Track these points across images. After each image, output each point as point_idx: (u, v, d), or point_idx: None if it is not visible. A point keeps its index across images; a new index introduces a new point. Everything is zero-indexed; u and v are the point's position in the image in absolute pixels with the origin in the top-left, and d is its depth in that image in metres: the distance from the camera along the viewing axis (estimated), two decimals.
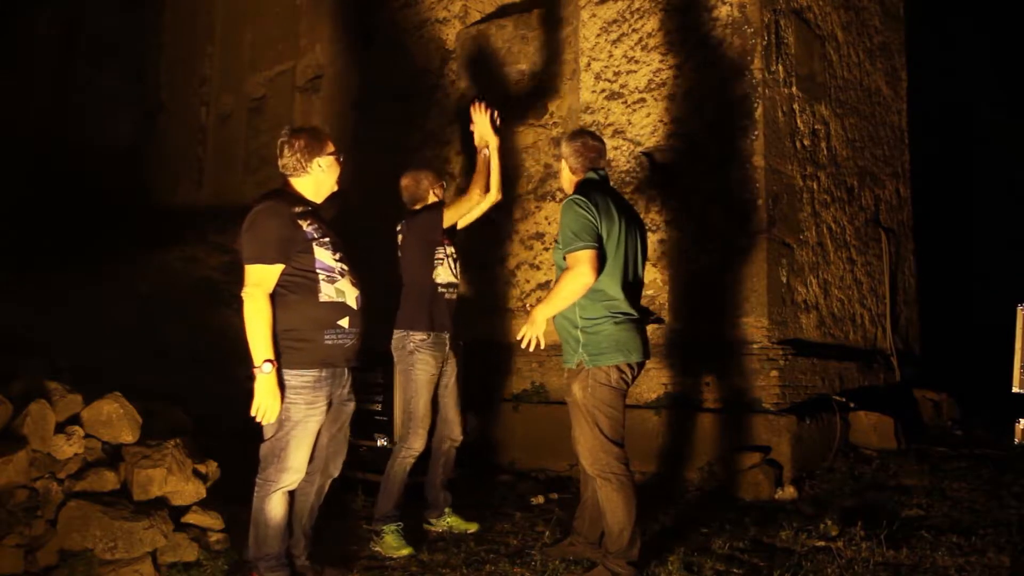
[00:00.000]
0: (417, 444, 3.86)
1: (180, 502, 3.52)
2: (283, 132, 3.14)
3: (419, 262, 3.96)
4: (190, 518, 3.52)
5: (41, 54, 10.28)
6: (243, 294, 2.93)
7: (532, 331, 3.18)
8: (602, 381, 3.17)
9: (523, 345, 3.18)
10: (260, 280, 2.92)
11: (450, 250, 4.03)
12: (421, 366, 3.87)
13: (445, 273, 3.99)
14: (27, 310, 5.32)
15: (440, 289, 3.96)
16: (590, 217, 3.15)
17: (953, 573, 3.20)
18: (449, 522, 4.00)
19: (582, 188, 3.31)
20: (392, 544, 3.68)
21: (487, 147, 4.02)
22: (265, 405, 2.88)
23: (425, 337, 3.88)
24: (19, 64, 10.19)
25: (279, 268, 2.94)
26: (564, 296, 3.15)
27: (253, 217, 2.97)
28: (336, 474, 3.25)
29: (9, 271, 6.09)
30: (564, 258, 3.18)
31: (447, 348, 3.97)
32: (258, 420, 2.91)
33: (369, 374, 4.73)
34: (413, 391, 3.88)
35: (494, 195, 4.08)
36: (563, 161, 3.46)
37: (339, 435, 3.20)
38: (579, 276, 3.10)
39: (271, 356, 2.88)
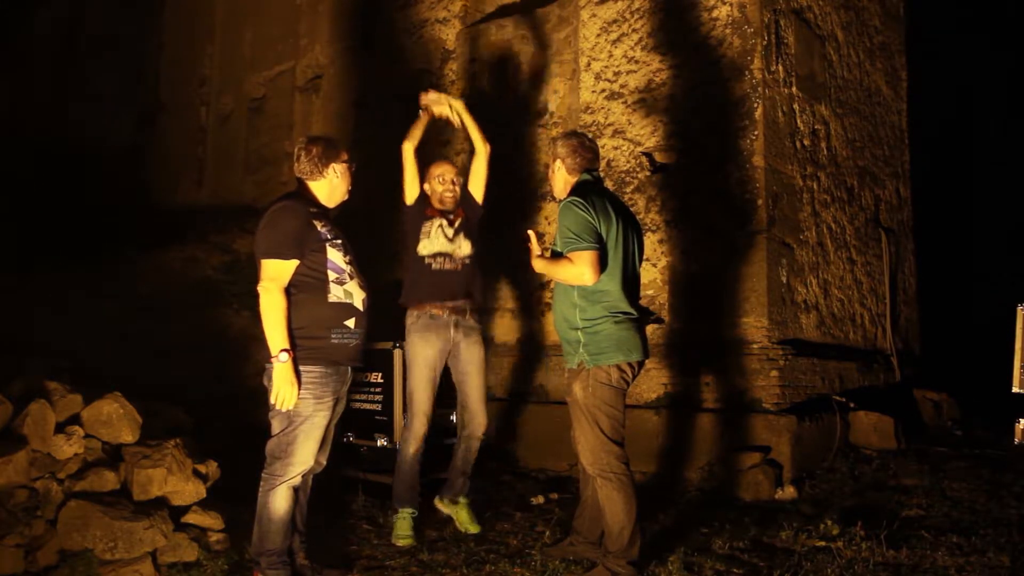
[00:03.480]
0: (416, 426, 3.85)
1: (180, 502, 3.52)
2: (300, 140, 3.29)
3: (409, 242, 4.02)
4: (190, 518, 3.52)
5: (41, 54, 10.28)
6: (259, 288, 3.01)
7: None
8: (602, 381, 3.17)
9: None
10: (276, 275, 3.01)
11: (439, 222, 3.97)
12: (411, 348, 3.90)
13: (429, 244, 3.94)
14: (27, 310, 5.32)
15: (427, 260, 3.93)
16: (589, 218, 3.16)
17: (953, 573, 3.20)
18: (457, 512, 3.95)
19: (578, 189, 3.32)
20: (399, 531, 3.74)
21: (429, 109, 4.03)
22: (283, 393, 2.97)
23: (415, 319, 3.91)
24: (19, 64, 10.20)
25: (294, 264, 3.03)
26: (558, 276, 3.25)
27: (272, 214, 3.08)
28: (322, 465, 3.27)
29: (9, 271, 6.09)
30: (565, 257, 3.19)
31: (451, 330, 3.90)
32: (276, 407, 2.99)
33: (369, 374, 4.74)
34: (409, 372, 3.91)
35: (483, 148, 4.08)
36: (558, 161, 3.43)
37: (325, 431, 3.23)
38: (579, 275, 3.12)
39: (287, 346, 2.97)
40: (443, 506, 4.00)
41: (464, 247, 3.99)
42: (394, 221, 6.71)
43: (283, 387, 2.96)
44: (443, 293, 3.91)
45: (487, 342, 5.81)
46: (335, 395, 3.13)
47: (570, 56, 5.81)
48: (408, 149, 4.00)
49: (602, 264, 3.16)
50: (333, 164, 3.21)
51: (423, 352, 3.87)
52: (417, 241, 3.96)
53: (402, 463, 3.87)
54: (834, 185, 5.90)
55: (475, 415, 3.96)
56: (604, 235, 3.19)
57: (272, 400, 2.98)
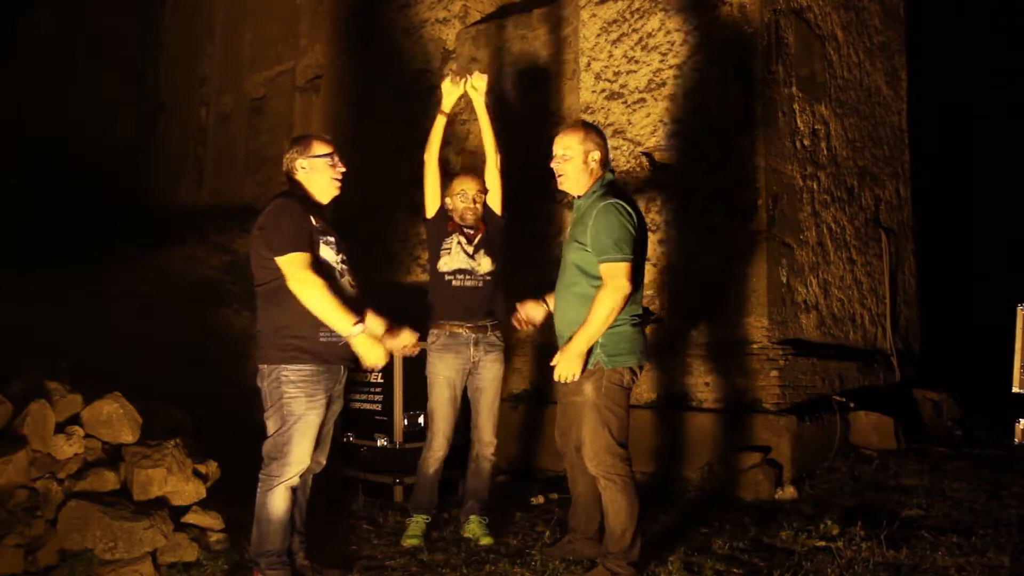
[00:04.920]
0: (435, 445, 3.81)
1: (180, 502, 3.52)
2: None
3: (430, 258, 3.96)
4: (190, 518, 3.52)
5: (41, 54, 10.27)
6: (292, 285, 2.99)
7: (572, 365, 3.09)
8: (616, 382, 3.16)
9: (563, 381, 3.13)
10: (303, 264, 3.00)
11: (459, 238, 3.86)
12: (431, 367, 3.85)
13: (450, 261, 3.85)
14: (27, 310, 5.31)
15: (447, 278, 3.85)
16: (631, 227, 3.10)
17: (953, 573, 3.20)
18: (469, 526, 3.87)
19: (613, 191, 3.24)
20: (409, 531, 3.76)
21: (443, 109, 3.88)
22: (372, 359, 3.05)
23: (435, 338, 3.85)
24: (19, 64, 10.18)
25: (310, 256, 3.03)
26: (606, 316, 3.04)
27: (274, 212, 3.08)
28: (322, 465, 3.26)
29: (9, 271, 6.09)
30: (599, 266, 3.10)
31: (471, 348, 3.82)
32: (374, 371, 3.09)
33: (369, 374, 4.73)
34: (429, 392, 3.86)
35: (494, 156, 3.95)
36: (594, 153, 3.25)
37: (322, 432, 3.21)
38: (618, 291, 3.04)
39: (354, 319, 3.01)
40: (462, 531, 3.91)
41: (485, 263, 3.88)
42: (393, 220, 6.72)
43: (370, 355, 3.04)
44: (464, 311, 3.82)
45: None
46: (327, 393, 3.11)
47: (570, 56, 5.81)
48: (430, 160, 3.90)
49: (635, 274, 3.11)
50: (299, 160, 3.20)
51: (443, 372, 3.81)
52: (438, 257, 3.88)
53: (422, 477, 3.85)
54: (834, 185, 5.90)
55: (481, 434, 3.87)
56: (640, 242, 3.17)
57: (367, 368, 3.08)
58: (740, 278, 4.93)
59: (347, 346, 3.14)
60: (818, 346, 5.41)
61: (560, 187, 3.37)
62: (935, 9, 8.57)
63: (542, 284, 5.65)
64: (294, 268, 2.99)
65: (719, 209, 5.03)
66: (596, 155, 3.25)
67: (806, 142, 5.52)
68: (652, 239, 5.23)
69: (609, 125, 5.47)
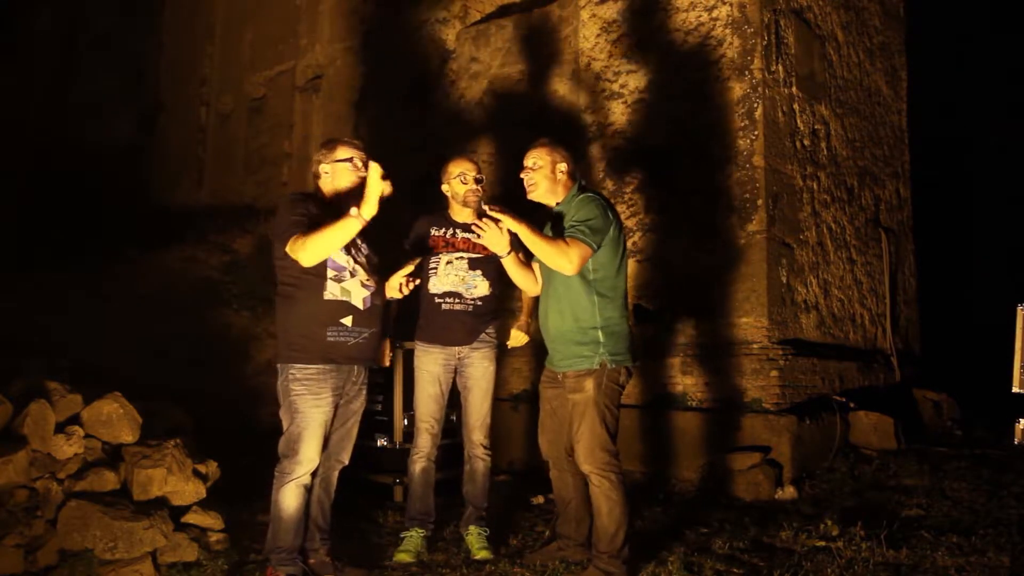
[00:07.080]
0: (419, 443, 3.72)
1: (180, 502, 3.52)
2: None
3: (421, 281, 3.59)
4: (190, 518, 3.52)
5: (41, 53, 10.28)
6: (300, 255, 2.98)
7: (498, 238, 3.20)
8: (613, 380, 3.21)
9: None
10: (299, 241, 2.98)
11: (448, 257, 3.66)
12: (416, 361, 3.78)
13: (439, 283, 3.66)
14: (27, 310, 5.32)
15: (436, 300, 3.66)
16: (606, 221, 3.19)
17: (953, 573, 3.20)
18: (467, 539, 3.71)
19: (592, 190, 3.37)
20: (401, 545, 3.62)
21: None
22: (379, 190, 3.03)
23: (421, 331, 3.79)
24: (19, 64, 10.19)
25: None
26: (543, 252, 3.14)
27: (277, 210, 3.19)
28: (343, 463, 3.30)
29: (9, 271, 6.09)
30: (566, 240, 3.13)
31: (457, 348, 3.69)
32: (385, 193, 3.06)
33: (369, 374, 4.73)
34: (415, 387, 3.80)
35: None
36: (562, 164, 3.34)
37: (342, 430, 3.27)
38: (568, 261, 3.10)
39: (348, 213, 2.99)
40: (464, 542, 3.77)
41: (480, 287, 3.66)
42: (393, 219, 6.70)
43: (373, 204, 3.02)
44: (450, 336, 3.67)
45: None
46: (334, 393, 3.12)
47: (570, 56, 5.81)
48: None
49: (612, 267, 3.23)
50: (322, 164, 3.24)
51: (427, 367, 3.71)
52: (426, 278, 3.69)
53: (410, 480, 3.75)
54: (834, 185, 5.90)
55: (471, 434, 3.73)
56: (617, 238, 3.24)
57: (380, 195, 3.02)
58: (740, 278, 4.93)
59: (357, 345, 3.16)
60: (818, 346, 5.41)
61: (529, 196, 3.42)
62: (935, 9, 8.57)
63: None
64: (296, 247, 2.99)
65: (719, 209, 5.03)
66: (563, 166, 3.36)
67: (806, 142, 5.52)
68: (652, 239, 5.23)
69: (609, 125, 5.47)
